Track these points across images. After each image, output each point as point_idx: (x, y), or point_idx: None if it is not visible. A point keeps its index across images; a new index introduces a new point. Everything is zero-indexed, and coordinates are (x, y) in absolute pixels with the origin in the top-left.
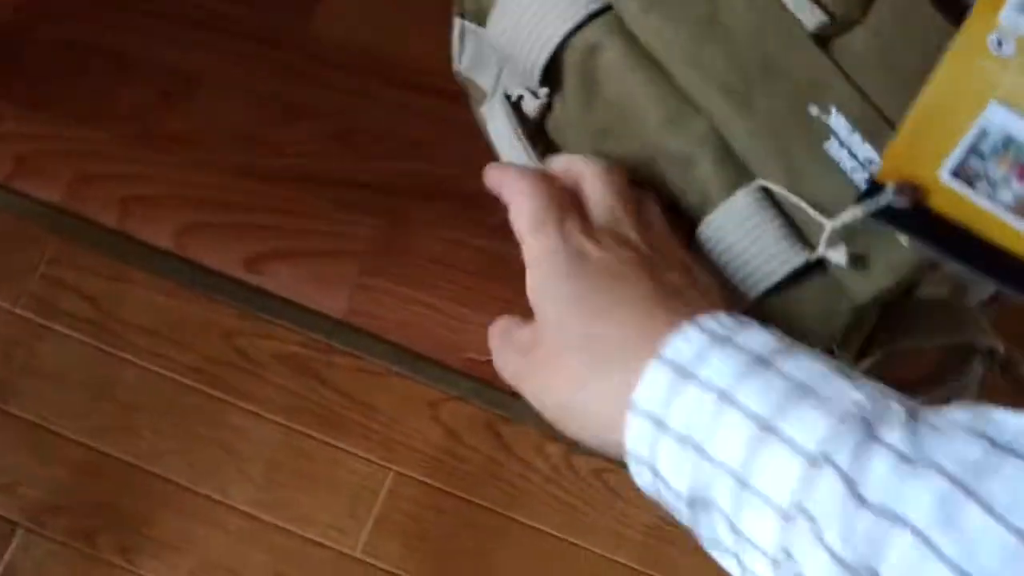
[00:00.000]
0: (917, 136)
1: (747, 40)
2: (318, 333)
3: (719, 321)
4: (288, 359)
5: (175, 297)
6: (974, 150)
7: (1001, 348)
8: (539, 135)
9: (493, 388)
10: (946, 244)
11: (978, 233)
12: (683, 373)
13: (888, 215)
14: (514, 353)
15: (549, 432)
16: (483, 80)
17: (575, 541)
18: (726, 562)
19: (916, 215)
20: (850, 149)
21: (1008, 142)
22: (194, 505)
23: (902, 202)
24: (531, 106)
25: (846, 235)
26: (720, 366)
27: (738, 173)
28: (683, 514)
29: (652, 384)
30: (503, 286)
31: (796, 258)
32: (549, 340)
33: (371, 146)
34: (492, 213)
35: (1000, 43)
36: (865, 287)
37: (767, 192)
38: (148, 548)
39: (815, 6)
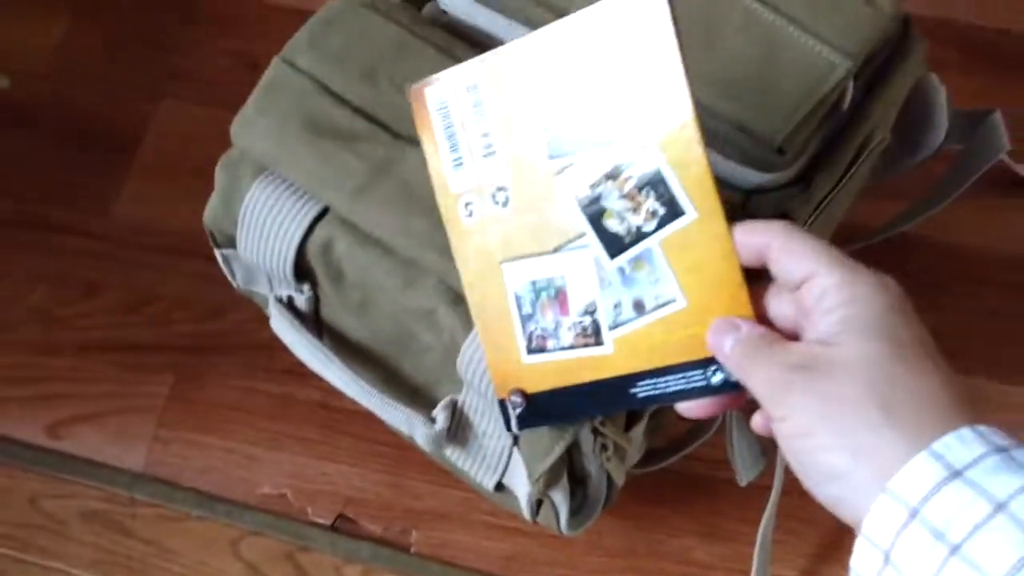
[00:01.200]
0: (493, 342)
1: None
2: (119, 487)
3: (995, 431)
4: (92, 515)
5: None
6: (527, 318)
7: None
8: (320, 323)
9: (288, 519)
10: (570, 410)
11: (577, 383)
12: (953, 472)
13: (520, 422)
14: (780, 364)
15: (345, 555)
16: (260, 289)
17: None
18: None
19: (533, 406)
20: None
21: (537, 289)
22: None
23: (518, 407)
24: (301, 302)
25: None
26: (1000, 475)
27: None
28: None
29: (916, 473)
30: (292, 424)
31: None
32: (846, 369)
33: (167, 312)
34: (280, 358)
35: (468, 208)
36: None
37: None
38: None
39: None
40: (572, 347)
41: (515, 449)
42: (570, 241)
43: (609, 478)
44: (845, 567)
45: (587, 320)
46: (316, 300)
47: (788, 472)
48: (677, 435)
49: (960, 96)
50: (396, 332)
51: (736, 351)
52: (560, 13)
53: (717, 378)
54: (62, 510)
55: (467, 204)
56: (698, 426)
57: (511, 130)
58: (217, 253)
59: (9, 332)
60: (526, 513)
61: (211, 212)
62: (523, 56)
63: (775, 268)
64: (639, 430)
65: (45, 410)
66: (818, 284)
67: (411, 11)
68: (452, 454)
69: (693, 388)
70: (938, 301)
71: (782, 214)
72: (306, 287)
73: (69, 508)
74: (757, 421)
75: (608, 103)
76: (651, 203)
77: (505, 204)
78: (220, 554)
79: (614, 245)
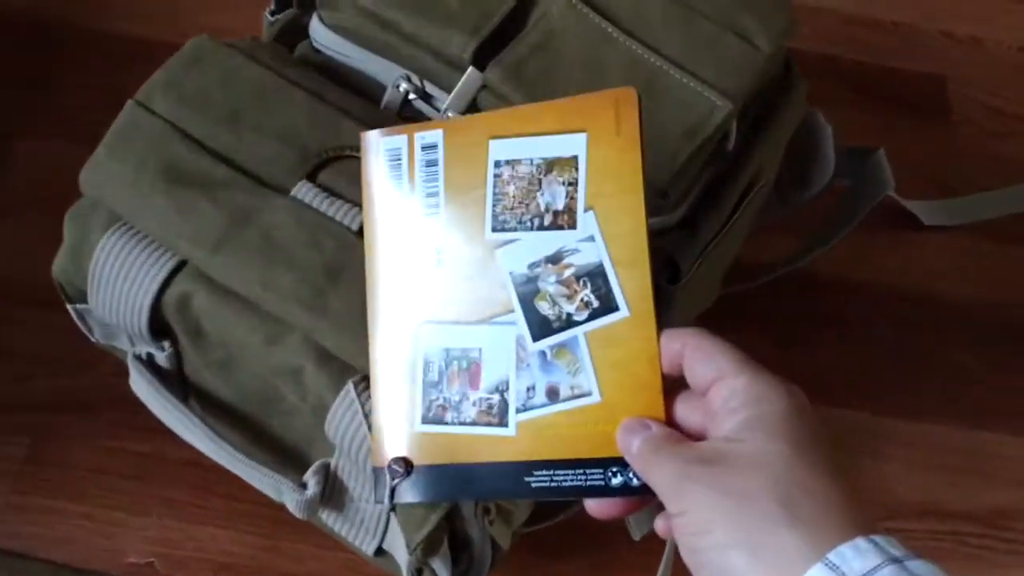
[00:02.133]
0: (386, 403)
1: (305, 253)
2: None
3: (890, 541)
4: None
5: None
6: (431, 386)
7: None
8: (183, 380)
9: None
10: (453, 490)
11: (469, 462)
12: None
13: (393, 494)
14: (684, 458)
15: None
16: (121, 345)
17: None
18: None
19: (414, 479)
20: None
21: (450, 357)
22: None
23: (398, 477)
24: (162, 359)
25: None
26: None
27: (341, 370)
28: None
29: None
30: (160, 485)
31: None
32: (749, 465)
33: (26, 368)
34: (149, 414)
35: (397, 261)
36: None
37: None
38: None
39: (353, 207)
40: (474, 423)
41: (393, 515)
42: (496, 316)
43: (494, 541)
44: None
45: (495, 398)
46: (178, 357)
47: None
48: None
49: (851, 132)
50: (262, 391)
51: (643, 448)
52: (435, 52)
53: (617, 480)
54: None
55: (397, 257)
56: None
57: (459, 196)
58: (70, 309)
59: None
60: None
61: (60, 266)
62: (488, 128)
63: (688, 373)
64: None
65: None
66: (726, 385)
67: (279, 51)
68: (328, 518)
69: (591, 487)
70: (837, 337)
71: (668, 258)
72: (166, 343)
73: None
74: (659, 525)
75: (564, 191)
76: (586, 293)
77: (437, 266)
78: None
79: (541, 327)
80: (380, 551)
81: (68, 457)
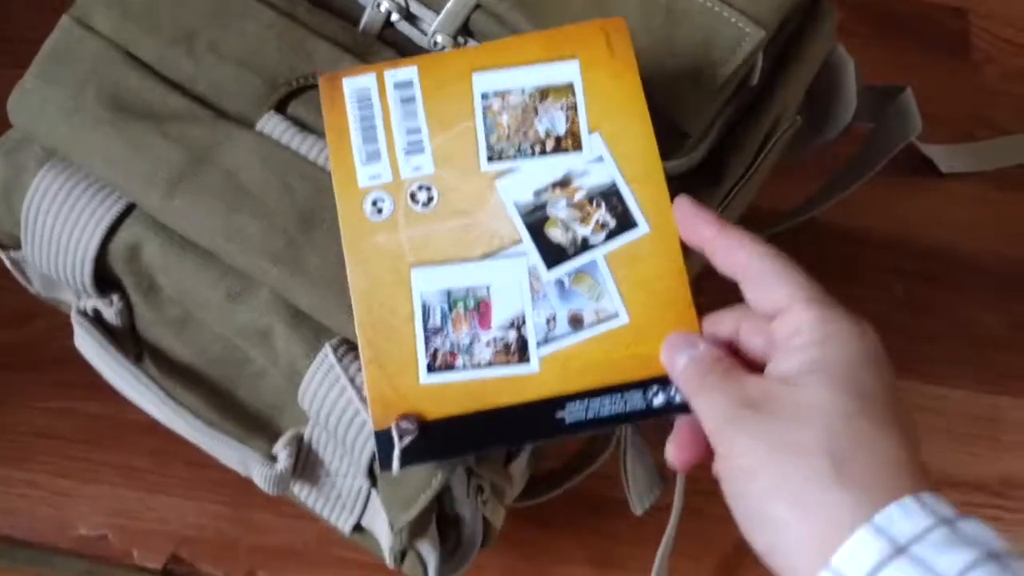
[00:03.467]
0: (380, 361)
1: (274, 197)
2: None
3: (940, 500)
4: None
5: None
6: (433, 332)
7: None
8: (136, 338)
9: (109, 565)
10: (475, 441)
11: (492, 407)
12: (897, 548)
13: (405, 457)
14: (732, 397)
15: None
16: (65, 297)
17: None
18: None
19: (427, 437)
20: None
21: (452, 299)
22: None
23: (409, 435)
24: (110, 315)
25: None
26: (947, 551)
27: (316, 331)
28: None
29: (859, 550)
30: (114, 451)
31: None
32: (804, 415)
33: None
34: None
35: (377, 206)
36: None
37: (350, 343)
38: None
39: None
40: (490, 365)
41: (374, 491)
42: (502, 249)
43: (486, 520)
44: None
45: (511, 335)
46: (129, 312)
47: (687, 495)
48: (565, 461)
49: (869, 71)
50: (226, 353)
51: (690, 369)
52: None
53: (659, 400)
54: None
55: (376, 201)
56: (587, 450)
57: (445, 130)
58: (3, 257)
59: None
60: (388, 562)
61: None
62: (469, 62)
63: (749, 293)
64: (520, 464)
65: None
66: (792, 318)
67: None
68: (301, 493)
69: (631, 411)
70: (850, 291)
71: None
72: (114, 297)
73: None
74: (670, 452)
75: (564, 116)
76: (601, 214)
77: (427, 204)
78: None
79: (554, 255)
80: (358, 527)
81: (8, 418)
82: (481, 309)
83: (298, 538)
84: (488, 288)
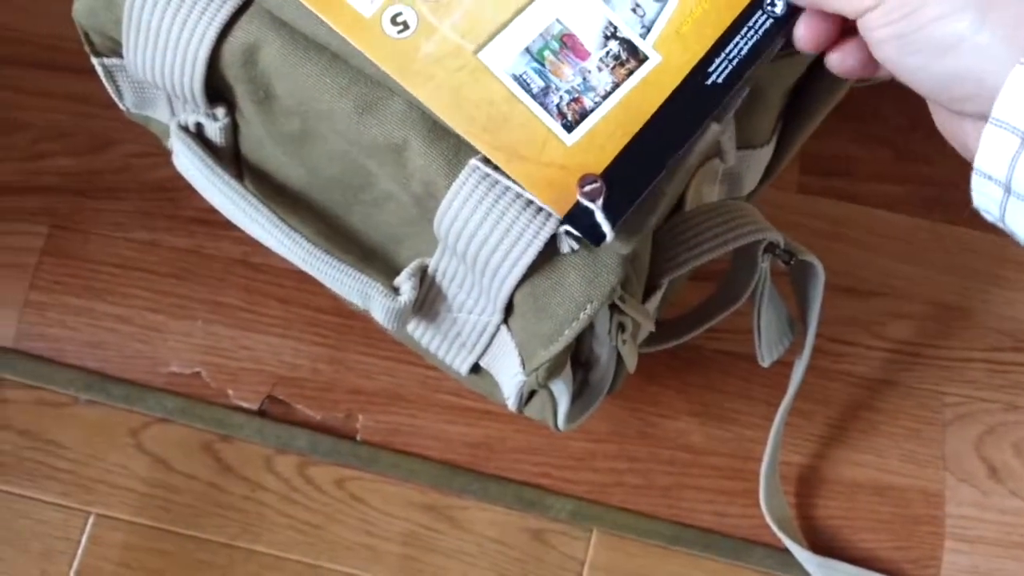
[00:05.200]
0: (516, 153)
1: None
2: None
3: None
4: None
5: None
6: (544, 93)
7: (781, 239)
8: (237, 159)
9: (203, 403)
10: (656, 157)
11: (648, 118)
12: None
13: (609, 215)
14: None
15: (277, 445)
16: (157, 115)
17: (324, 564)
18: None
19: (613, 187)
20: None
21: (537, 53)
22: None
23: (598, 196)
24: (214, 131)
25: None
26: None
27: (456, 148)
28: None
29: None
30: (204, 286)
31: (546, 229)
32: None
33: (34, 144)
34: (186, 203)
35: (399, 22)
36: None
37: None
38: None
39: None
40: (616, 86)
41: (504, 328)
42: None
43: (619, 363)
44: (857, 449)
45: (614, 45)
46: (234, 129)
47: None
48: (683, 315)
49: None
50: (345, 174)
51: None
52: None
53: (780, 6)
54: None
55: (394, 17)
56: (706, 307)
57: None
58: (97, 64)
59: None
60: (511, 404)
61: (84, 6)
62: None
63: None
64: (655, 301)
65: None
66: None
67: None
68: (416, 330)
69: (766, 33)
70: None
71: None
72: (220, 111)
73: None
74: (833, 58)
75: None
76: None
77: None
78: (118, 446)
79: None
80: (475, 368)
81: (89, 247)
82: (568, 43)
83: (399, 381)
84: (559, 20)
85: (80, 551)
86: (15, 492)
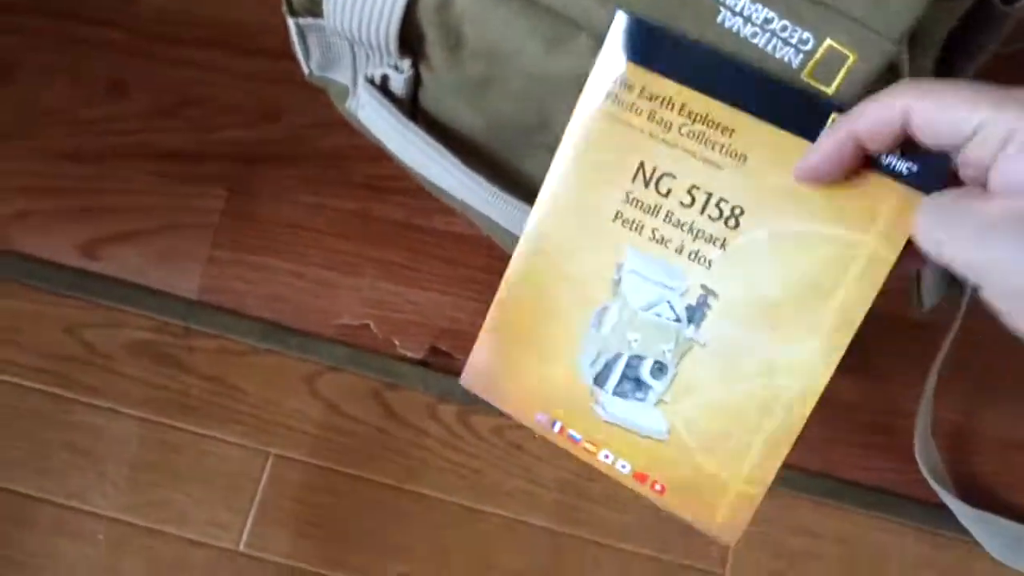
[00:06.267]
0: None
1: None
2: (172, 316)
3: None
4: (141, 348)
5: (8, 296)
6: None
7: None
8: (416, 112)
9: (372, 353)
10: None
11: None
12: None
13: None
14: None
15: (439, 393)
16: (340, 76)
17: (483, 508)
18: None
19: None
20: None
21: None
22: (52, 517)
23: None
24: (398, 83)
25: None
26: None
27: None
28: None
29: None
30: (370, 245)
31: None
32: None
33: (210, 117)
34: (352, 170)
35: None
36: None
37: None
38: (5, 572)
39: None
40: None
41: None
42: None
43: None
44: (1011, 408)
45: None
46: (416, 82)
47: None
48: None
49: None
50: (525, 115)
51: (925, 219)
52: None
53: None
54: (105, 341)
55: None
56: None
57: None
58: (291, 23)
59: (27, 137)
60: None
61: None
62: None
63: (924, 137)
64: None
65: (75, 226)
66: (991, 132)
67: None
68: None
69: None
70: None
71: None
72: (406, 64)
73: (113, 339)
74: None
75: None
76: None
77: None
78: (295, 392)
79: None
80: None
81: (268, 211)
82: None
83: None
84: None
85: (260, 487)
86: (202, 433)
